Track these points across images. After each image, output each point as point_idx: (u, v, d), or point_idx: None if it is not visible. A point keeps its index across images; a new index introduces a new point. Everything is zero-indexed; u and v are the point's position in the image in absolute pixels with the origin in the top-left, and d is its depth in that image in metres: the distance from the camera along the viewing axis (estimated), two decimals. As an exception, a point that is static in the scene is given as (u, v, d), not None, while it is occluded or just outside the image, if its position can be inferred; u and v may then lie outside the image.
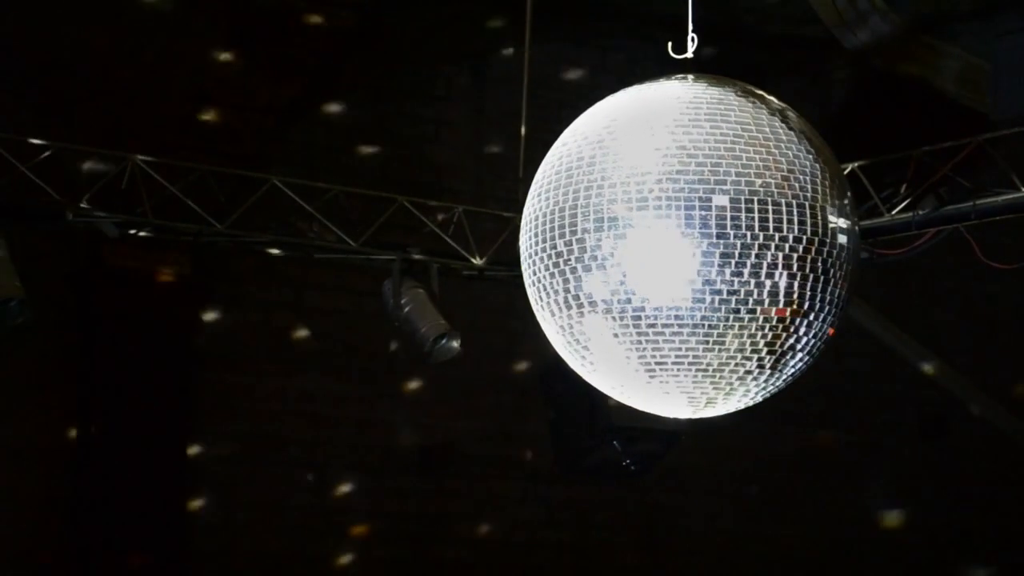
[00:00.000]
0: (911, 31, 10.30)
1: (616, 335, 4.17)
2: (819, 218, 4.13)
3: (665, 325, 4.12)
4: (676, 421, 4.51)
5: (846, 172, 5.82)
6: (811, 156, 4.18)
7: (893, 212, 8.66)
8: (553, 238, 4.21)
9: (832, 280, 4.17)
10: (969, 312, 12.58)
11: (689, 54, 4.40)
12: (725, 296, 4.08)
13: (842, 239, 4.18)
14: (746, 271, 4.07)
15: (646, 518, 11.86)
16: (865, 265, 8.11)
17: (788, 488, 12.28)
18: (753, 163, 4.09)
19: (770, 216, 4.08)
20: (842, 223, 4.18)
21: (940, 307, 12.47)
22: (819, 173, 4.16)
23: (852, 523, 12.44)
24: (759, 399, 4.35)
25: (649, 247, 4.08)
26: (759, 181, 4.08)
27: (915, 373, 11.36)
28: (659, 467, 10.24)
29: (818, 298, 4.16)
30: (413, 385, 10.97)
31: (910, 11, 10.22)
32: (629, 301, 4.12)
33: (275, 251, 9.14)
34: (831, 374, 11.76)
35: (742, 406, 4.37)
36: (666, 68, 4.37)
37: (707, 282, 4.07)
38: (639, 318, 4.13)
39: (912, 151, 8.64)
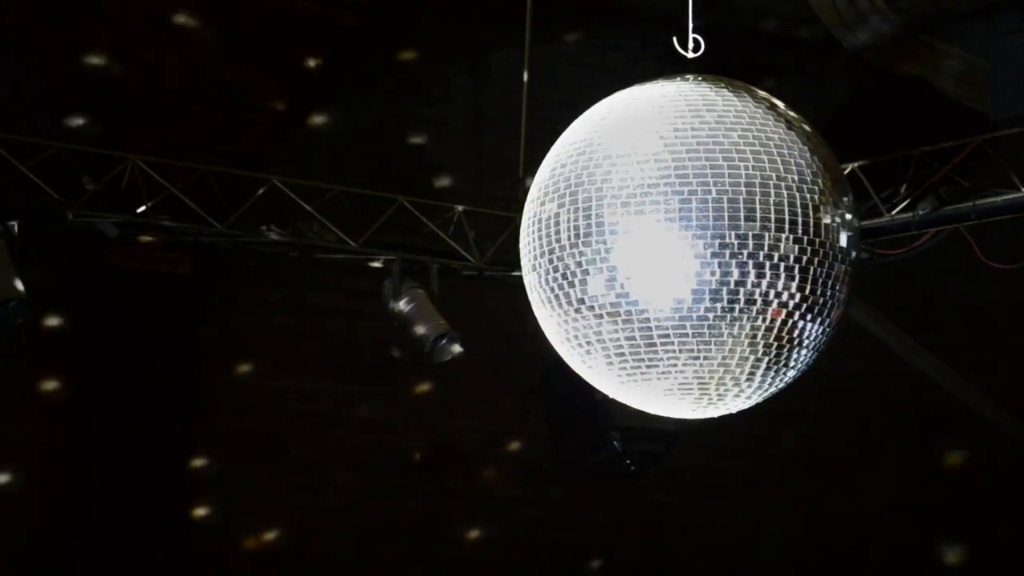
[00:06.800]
0: (911, 31, 10.30)
1: (616, 335, 4.17)
2: (819, 218, 4.13)
3: (665, 325, 4.12)
4: (676, 421, 4.50)
5: (846, 172, 5.82)
6: (811, 156, 4.18)
7: (893, 212, 8.67)
8: (553, 238, 4.21)
9: (832, 280, 4.17)
10: (969, 312, 12.56)
11: (690, 54, 4.40)
12: (725, 296, 4.08)
13: (842, 239, 4.18)
14: (746, 271, 4.07)
15: (646, 518, 11.85)
16: (865, 265, 8.12)
17: (788, 488, 12.27)
18: (753, 163, 4.09)
19: (772, 216, 4.08)
20: (842, 223, 4.18)
21: (940, 307, 12.46)
22: (819, 173, 4.16)
23: (852, 523, 12.42)
24: (760, 399, 4.35)
25: (649, 247, 4.08)
26: (759, 181, 4.08)
27: (915, 373, 11.35)
28: (659, 467, 10.23)
29: (818, 298, 4.16)
30: (414, 385, 10.97)
31: (910, 11, 10.22)
32: (629, 301, 4.12)
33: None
34: (831, 374, 11.75)
35: (743, 406, 4.37)
36: (666, 68, 4.37)
37: (707, 282, 4.07)
38: (639, 318, 4.13)
39: (912, 151, 8.64)
